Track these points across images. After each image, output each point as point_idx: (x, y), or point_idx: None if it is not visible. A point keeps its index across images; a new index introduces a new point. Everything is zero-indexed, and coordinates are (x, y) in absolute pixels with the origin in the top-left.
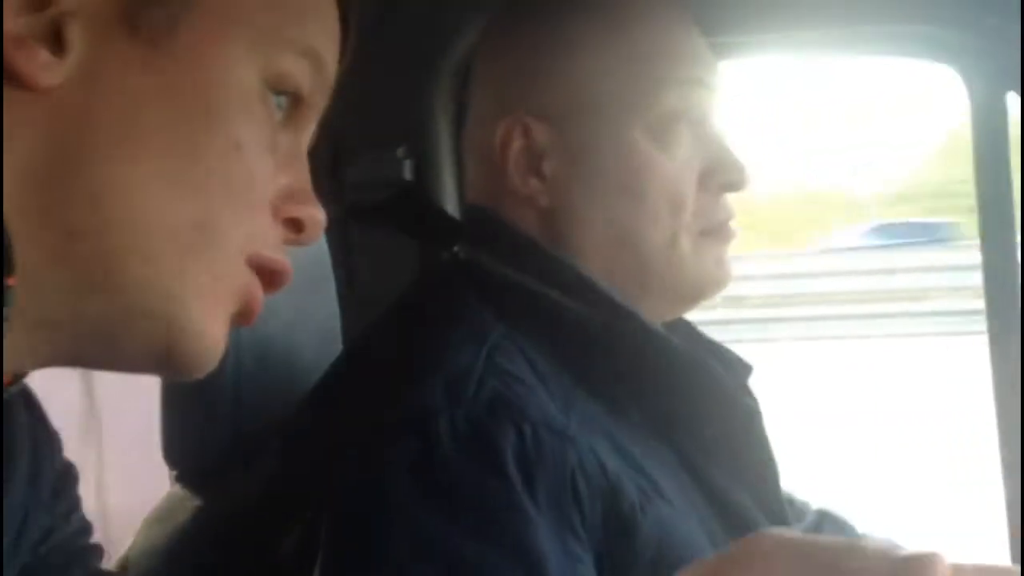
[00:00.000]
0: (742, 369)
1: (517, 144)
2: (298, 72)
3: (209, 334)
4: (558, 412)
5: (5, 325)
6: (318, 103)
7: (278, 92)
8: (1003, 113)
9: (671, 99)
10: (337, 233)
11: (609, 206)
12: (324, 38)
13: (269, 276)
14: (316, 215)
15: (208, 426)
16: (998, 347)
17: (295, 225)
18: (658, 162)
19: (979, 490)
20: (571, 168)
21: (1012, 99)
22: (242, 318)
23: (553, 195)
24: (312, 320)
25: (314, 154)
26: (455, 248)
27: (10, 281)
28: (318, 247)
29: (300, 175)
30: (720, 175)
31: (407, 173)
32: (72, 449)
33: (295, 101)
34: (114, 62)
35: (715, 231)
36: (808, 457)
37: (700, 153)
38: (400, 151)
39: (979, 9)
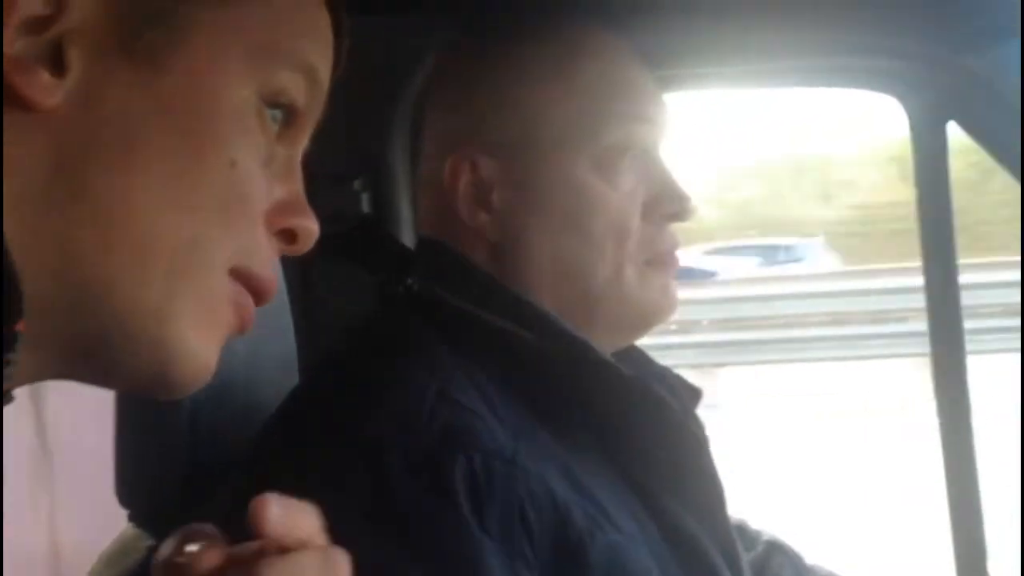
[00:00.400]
0: (691, 395)
1: (465, 178)
2: (294, 87)
3: (200, 355)
4: (508, 441)
5: (7, 370)
6: (313, 115)
7: (274, 106)
8: (943, 142)
9: (615, 134)
10: (294, 265)
11: (556, 238)
12: (319, 52)
13: (254, 292)
14: (309, 225)
15: (162, 465)
16: (942, 371)
17: (288, 236)
18: (603, 194)
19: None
20: (518, 201)
21: (952, 128)
22: (235, 331)
23: (502, 228)
24: (269, 354)
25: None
26: (409, 280)
27: (19, 327)
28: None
29: (294, 186)
30: (664, 206)
31: (364, 205)
32: (24, 488)
33: (291, 114)
34: (113, 83)
35: (660, 260)
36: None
37: (644, 185)
38: (357, 183)
39: (920, 41)
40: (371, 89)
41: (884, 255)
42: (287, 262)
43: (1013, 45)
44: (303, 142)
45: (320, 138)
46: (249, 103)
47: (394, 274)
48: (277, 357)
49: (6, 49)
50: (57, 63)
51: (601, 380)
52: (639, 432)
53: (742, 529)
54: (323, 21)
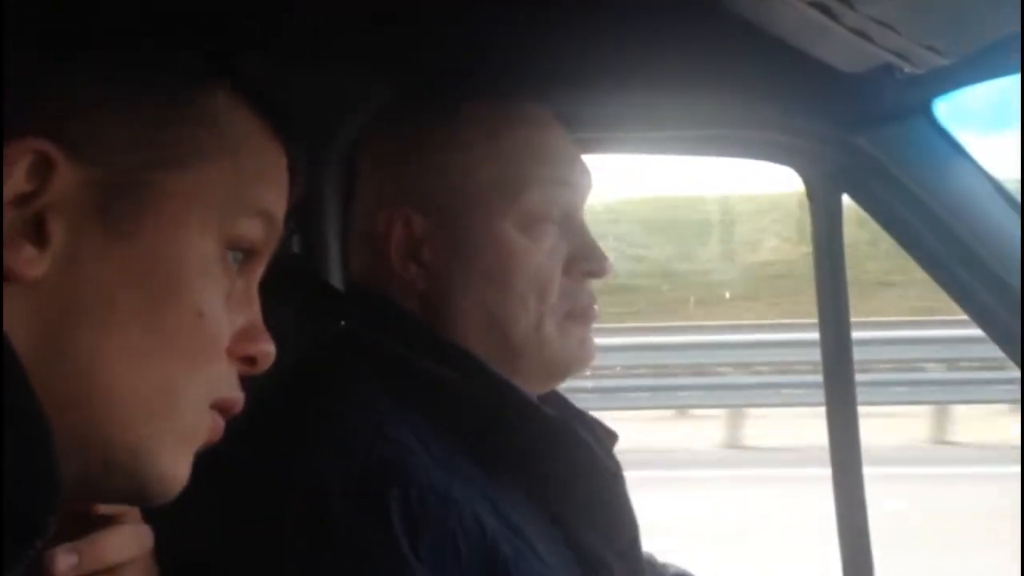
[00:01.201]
0: (607, 436)
1: (398, 232)
2: (253, 231)
3: (176, 476)
4: (442, 476)
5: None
6: (270, 249)
7: (234, 249)
8: (838, 210)
9: (536, 196)
10: None
11: (481, 291)
12: (275, 195)
13: (226, 412)
14: (268, 350)
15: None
16: (835, 422)
17: (248, 360)
18: (526, 252)
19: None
20: (447, 256)
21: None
22: (206, 445)
23: (431, 280)
24: None
25: None
26: (342, 323)
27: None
28: None
29: (252, 313)
30: (583, 263)
31: (295, 247)
32: None
33: (249, 253)
34: (89, 250)
35: (579, 314)
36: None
37: (565, 243)
38: (288, 224)
39: (815, 120)
40: (300, 133)
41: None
42: None
43: (897, 126)
44: (260, 271)
45: None
46: (212, 253)
47: (324, 315)
48: None
49: None
50: (39, 234)
51: (525, 419)
52: (559, 467)
53: (651, 563)
54: (279, 165)
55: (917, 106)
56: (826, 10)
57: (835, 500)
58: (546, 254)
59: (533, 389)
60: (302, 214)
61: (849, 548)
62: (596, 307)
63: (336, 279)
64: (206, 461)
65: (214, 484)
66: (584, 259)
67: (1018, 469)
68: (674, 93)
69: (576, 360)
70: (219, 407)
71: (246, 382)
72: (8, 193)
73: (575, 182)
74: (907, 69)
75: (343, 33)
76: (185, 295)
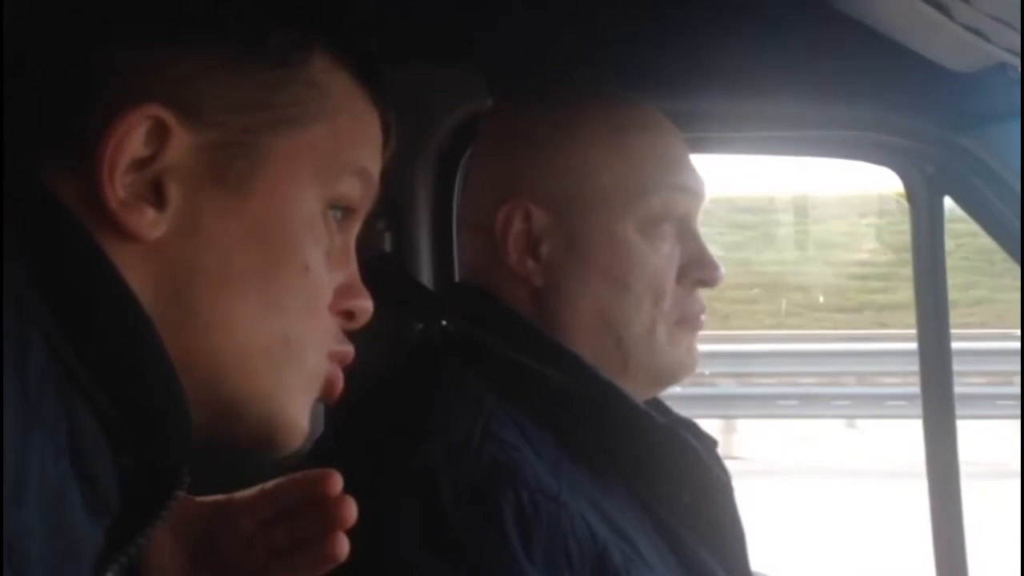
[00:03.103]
0: (709, 443)
1: (518, 227)
2: (352, 190)
3: (300, 423)
4: (551, 479)
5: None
6: (366, 206)
7: (334, 207)
8: (940, 214)
9: (659, 201)
10: None
11: (597, 291)
12: (372, 155)
13: (340, 362)
14: (366, 305)
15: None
16: (932, 432)
17: (348, 316)
18: (645, 255)
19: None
20: (566, 253)
21: (948, 202)
22: (327, 396)
23: (547, 276)
24: None
25: None
26: (444, 322)
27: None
28: None
29: (351, 268)
30: (696, 271)
31: (387, 245)
32: None
33: (348, 210)
34: (207, 211)
35: (689, 321)
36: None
37: (680, 250)
38: (380, 223)
39: (920, 120)
40: (403, 133)
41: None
42: None
43: (1006, 127)
44: (357, 226)
45: None
46: (317, 211)
47: (415, 313)
48: None
49: (117, 193)
50: (158, 197)
51: (632, 425)
52: (667, 475)
53: None
54: (375, 127)
55: None
56: (941, 6)
57: (931, 512)
58: (663, 259)
59: (637, 395)
60: (394, 212)
61: (945, 563)
62: (704, 316)
63: (427, 278)
64: (312, 462)
65: None
66: (697, 267)
67: None
68: (780, 93)
69: (682, 367)
70: (334, 359)
71: (346, 383)
72: (127, 158)
73: (693, 189)
74: (1021, 68)
75: (437, 29)
76: (295, 251)
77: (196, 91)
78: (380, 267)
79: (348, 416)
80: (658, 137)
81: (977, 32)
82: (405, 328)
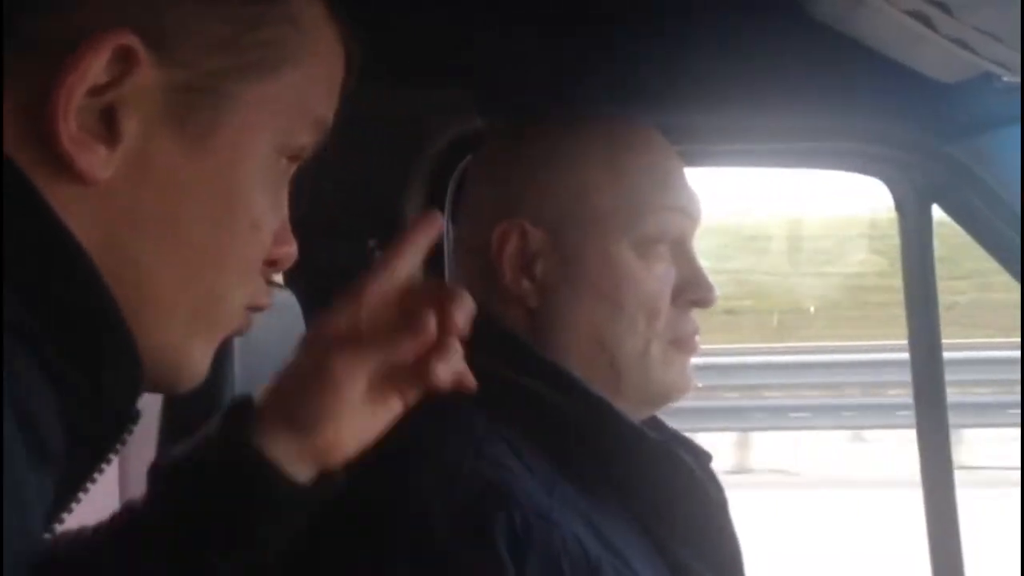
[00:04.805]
0: (704, 458)
1: (513, 245)
2: (308, 139)
3: (201, 370)
4: (544, 498)
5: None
6: (310, 151)
7: (285, 155)
8: (928, 223)
9: (655, 222)
10: (308, 323)
11: (592, 311)
12: (332, 103)
13: (256, 310)
14: (291, 253)
15: None
16: (926, 441)
17: (271, 263)
18: (640, 275)
19: None
20: (561, 273)
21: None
22: (233, 334)
23: (542, 296)
24: None
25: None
26: None
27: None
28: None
29: (283, 212)
30: (691, 292)
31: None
32: None
33: (294, 159)
34: (160, 156)
35: (683, 342)
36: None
37: (675, 270)
38: (372, 242)
39: (907, 130)
40: (388, 152)
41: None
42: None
43: (993, 136)
44: (291, 173)
45: (338, 198)
46: (273, 162)
47: None
48: None
49: (69, 127)
50: (110, 132)
51: (625, 442)
52: (661, 491)
53: None
54: (339, 68)
55: (1014, 115)
56: (924, 19)
57: (927, 521)
58: (658, 279)
59: (632, 414)
60: (385, 231)
61: (942, 570)
62: (698, 337)
63: None
64: None
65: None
66: (692, 287)
67: None
68: (766, 105)
69: (676, 388)
70: (252, 309)
71: None
72: (85, 85)
73: (690, 210)
74: (1007, 78)
75: (426, 50)
76: (245, 208)
77: (167, 22)
78: None
79: None
80: (655, 157)
81: (962, 43)
82: None
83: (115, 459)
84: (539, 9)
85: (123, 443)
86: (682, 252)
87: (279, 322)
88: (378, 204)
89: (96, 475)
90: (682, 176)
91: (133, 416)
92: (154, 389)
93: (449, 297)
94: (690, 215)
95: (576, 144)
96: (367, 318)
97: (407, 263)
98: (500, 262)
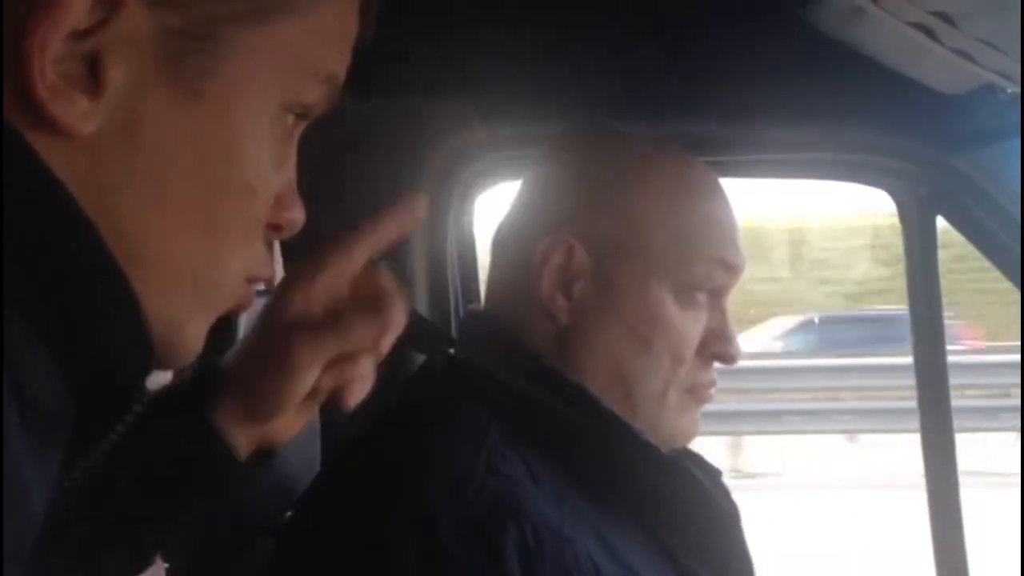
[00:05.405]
0: (715, 474)
1: (557, 260)
2: (316, 96)
3: (194, 346)
4: (554, 512)
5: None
6: (323, 107)
7: (291, 111)
8: (932, 233)
9: (701, 271)
10: None
11: (620, 342)
12: (343, 59)
13: (256, 283)
14: (297, 219)
15: (207, 521)
16: (930, 445)
17: (275, 228)
18: (674, 319)
19: None
20: (597, 298)
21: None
22: (234, 312)
23: (573, 316)
24: None
25: (294, 251)
26: (451, 351)
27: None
28: None
29: (289, 175)
30: (716, 346)
31: None
32: None
33: (302, 116)
34: (150, 110)
35: (698, 391)
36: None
37: (708, 320)
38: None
39: (912, 141)
40: (389, 164)
41: None
42: None
43: (997, 147)
44: (301, 130)
45: (344, 210)
46: (273, 118)
47: (428, 348)
48: None
49: (46, 75)
50: (93, 82)
51: (637, 457)
52: (672, 505)
53: None
54: (352, 25)
55: (1018, 127)
56: (927, 31)
57: (931, 524)
58: (690, 326)
59: None
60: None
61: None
62: (713, 390)
63: (423, 308)
64: (319, 491)
65: (322, 518)
66: (718, 341)
67: None
68: (772, 117)
69: (684, 435)
70: (252, 280)
71: (346, 416)
72: (63, 26)
73: (736, 265)
74: (1011, 90)
75: (430, 61)
76: (241, 169)
77: None
78: None
79: (348, 449)
80: (716, 208)
81: (965, 55)
82: (401, 360)
83: None
84: (543, 19)
85: (134, 415)
86: (717, 304)
87: None
88: (382, 213)
89: (99, 453)
90: (736, 230)
91: (140, 391)
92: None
93: (390, 298)
94: (734, 269)
95: (642, 176)
96: (322, 302)
97: (367, 252)
98: (540, 275)
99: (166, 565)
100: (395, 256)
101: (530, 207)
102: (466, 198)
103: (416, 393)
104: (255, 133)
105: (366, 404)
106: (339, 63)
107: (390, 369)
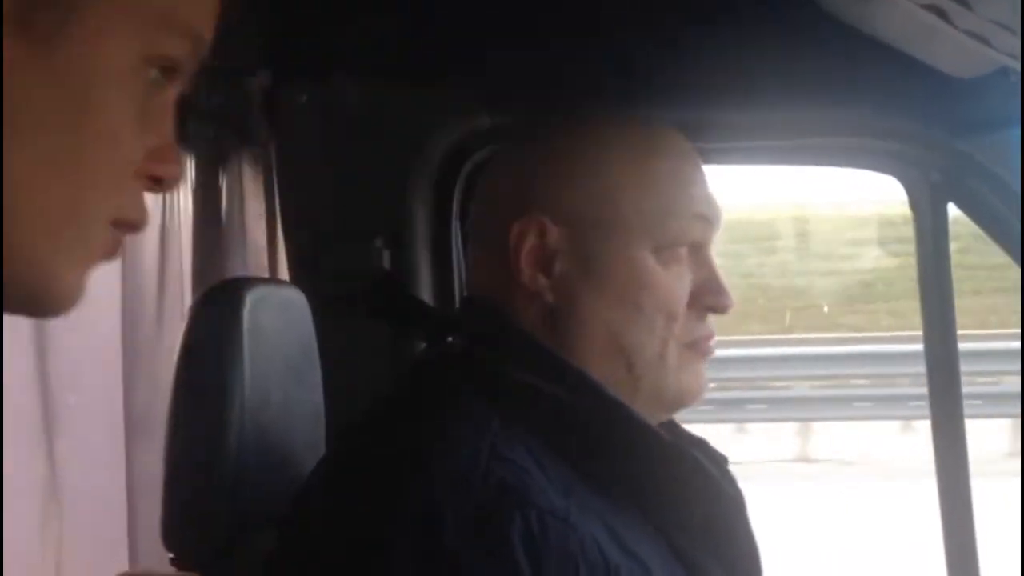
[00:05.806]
0: (720, 460)
1: (531, 241)
2: (179, 51)
3: (74, 288)
4: (560, 499)
5: None
6: (191, 67)
7: (156, 66)
8: (943, 220)
9: (677, 227)
10: (315, 321)
11: (610, 312)
12: (206, 16)
13: (130, 231)
14: (175, 173)
15: (210, 508)
16: (941, 434)
17: (155, 181)
18: (659, 278)
19: None
20: (579, 272)
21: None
22: (106, 260)
23: (558, 294)
24: (301, 404)
25: (293, 242)
26: (450, 339)
27: None
28: (306, 337)
29: (166, 131)
30: (707, 298)
31: (385, 263)
32: (34, 529)
33: (170, 71)
34: (9, 59)
35: (698, 346)
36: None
37: (693, 275)
38: (378, 241)
39: (922, 126)
40: (394, 151)
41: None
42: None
43: (1010, 132)
44: (177, 89)
45: (341, 196)
46: (133, 69)
47: (415, 331)
48: (307, 410)
49: None
50: None
51: (641, 444)
52: (677, 493)
53: None
54: None
55: None
56: (940, 12)
57: (941, 511)
58: (676, 282)
59: (647, 417)
60: (391, 230)
61: (956, 560)
62: (713, 342)
63: (426, 295)
64: (318, 485)
65: (320, 510)
66: (708, 293)
67: None
68: (780, 101)
69: (690, 392)
70: (121, 226)
71: (336, 398)
72: None
73: (711, 216)
74: (1022, 73)
75: (433, 48)
76: (100, 112)
77: None
78: (379, 285)
79: (350, 439)
80: (681, 163)
81: (979, 38)
82: (406, 347)
83: (121, 460)
84: (547, 5)
85: None
86: (700, 257)
87: (286, 319)
88: (385, 202)
89: None
90: (705, 182)
91: None
92: (26, 312)
93: None
94: (711, 221)
95: (602, 145)
96: None
97: None
98: (517, 257)
99: (171, 555)
100: (400, 244)
101: (498, 194)
102: (470, 186)
103: (416, 382)
104: (115, 82)
105: (369, 391)
106: (197, 16)
107: (393, 356)
